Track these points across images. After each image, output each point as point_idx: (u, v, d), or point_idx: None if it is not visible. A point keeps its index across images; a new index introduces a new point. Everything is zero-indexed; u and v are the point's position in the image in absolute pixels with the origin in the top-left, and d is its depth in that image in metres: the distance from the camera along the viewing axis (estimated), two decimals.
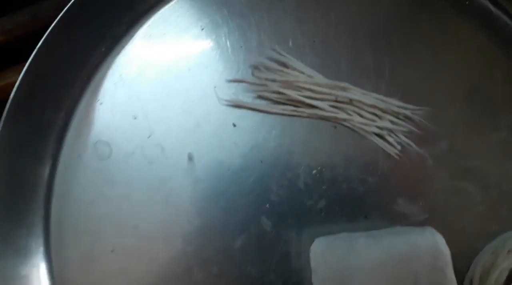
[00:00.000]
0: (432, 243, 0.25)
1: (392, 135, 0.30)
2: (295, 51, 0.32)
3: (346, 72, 0.32)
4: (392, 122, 0.30)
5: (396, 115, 0.30)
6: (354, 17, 0.33)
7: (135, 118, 0.30)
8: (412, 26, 0.33)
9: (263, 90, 0.31)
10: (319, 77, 0.31)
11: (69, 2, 0.29)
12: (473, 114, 0.32)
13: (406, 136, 0.30)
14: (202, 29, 0.32)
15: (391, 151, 0.30)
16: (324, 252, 0.25)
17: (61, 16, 0.29)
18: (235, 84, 0.31)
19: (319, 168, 0.30)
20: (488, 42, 0.33)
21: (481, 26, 0.34)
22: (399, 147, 0.30)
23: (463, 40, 0.33)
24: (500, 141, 0.32)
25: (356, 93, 0.30)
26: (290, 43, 0.32)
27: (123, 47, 0.31)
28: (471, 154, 0.31)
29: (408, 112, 0.30)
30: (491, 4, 0.34)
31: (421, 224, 0.29)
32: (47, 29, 0.29)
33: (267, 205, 0.29)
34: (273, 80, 0.30)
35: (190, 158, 0.29)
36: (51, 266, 0.28)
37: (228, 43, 0.32)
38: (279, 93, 0.30)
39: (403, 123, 0.30)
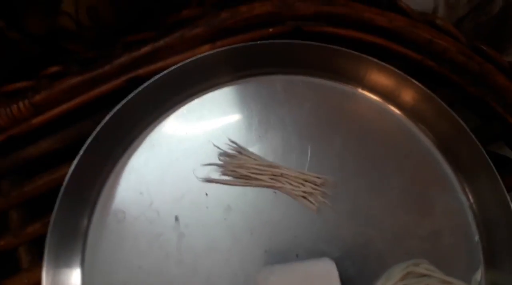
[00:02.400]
0: (324, 267, 0.38)
1: (313, 196, 0.45)
2: (247, 142, 0.48)
3: (281, 155, 0.47)
4: (312, 187, 0.45)
5: (314, 182, 0.45)
6: (285, 118, 0.49)
7: (141, 193, 0.45)
8: (327, 122, 0.49)
9: (226, 169, 0.46)
10: (261, 160, 0.46)
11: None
12: (372, 179, 0.46)
13: (322, 197, 0.45)
14: (186, 133, 0.49)
15: (313, 208, 0.44)
16: (257, 277, 0.38)
17: (95, 134, 0.46)
18: (207, 166, 0.46)
19: (265, 220, 0.44)
20: (382, 129, 0.49)
21: (377, 120, 0.49)
22: (317, 204, 0.44)
23: (363, 127, 0.49)
24: (393, 197, 0.45)
25: (286, 170, 0.45)
26: (244, 137, 0.48)
27: (132, 151, 0.48)
28: (371, 208, 0.44)
29: (322, 180, 0.45)
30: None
31: (337, 259, 0.42)
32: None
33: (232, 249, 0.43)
34: (232, 163, 0.46)
35: (176, 218, 0.44)
36: None
37: (202, 139, 0.48)
38: (235, 171, 0.46)
39: (320, 188, 0.45)
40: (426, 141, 0.48)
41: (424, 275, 0.41)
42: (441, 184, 0.46)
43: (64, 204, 0.42)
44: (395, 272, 0.41)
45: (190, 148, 0.47)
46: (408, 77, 0.47)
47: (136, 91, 0.46)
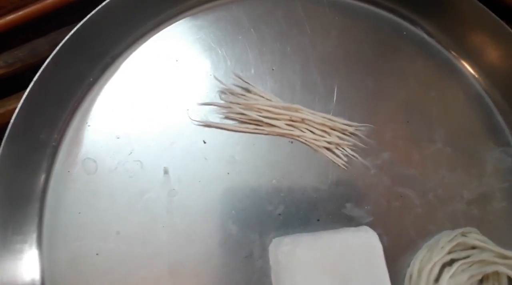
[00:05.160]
0: (365, 239, 0.29)
1: (340, 148, 0.35)
2: (256, 78, 0.37)
3: (300, 95, 0.37)
4: (339, 137, 0.35)
5: (342, 131, 0.35)
6: (306, 48, 0.38)
7: (118, 137, 0.35)
8: (356, 55, 0.38)
9: (229, 112, 0.36)
10: (276, 100, 0.36)
11: (62, 39, 0.34)
12: (411, 129, 0.37)
13: (352, 150, 0.35)
14: (177, 60, 0.37)
15: (339, 162, 0.35)
16: (276, 250, 0.30)
17: (55, 52, 0.34)
18: (206, 106, 0.36)
19: (278, 178, 0.35)
20: (424, 66, 0.39)
21: (417, 52, 0.39)
22: (345, 159, 0.35)
23: (402, 65, 0.39)
24: (435, 152, 0.37)
25: (307, 114, 0.35)
26: (252, 71, 0.37)
27: (108, 77, 0.36)
28: (409, 164, 0.36)
29: (352, 129, 0.35)
30: (425, 33, 0.40)
31: (367, 225, 0.34)
32: (43, 62, 0.33)
33: (233, 212, 0.34)
34: (237, 103, 0.35)
35: (166, 171, 0.34)
36: (43, 268, 0.32)
37: (199, 71, 0.37)
38: (242, 114, 0.35)
39: (349, 138, 0.35)
40: (477, 85, 0.39)
41: (474, 248, 0.33)
42: (492, 137, 0.37)
43: (12, 148, 0.31)
44: (441, 242, 0.33)
45: (183, 79, 0.36)
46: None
47: (109, 1, 0.34)
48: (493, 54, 0.38)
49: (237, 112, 0.35)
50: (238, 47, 0.38)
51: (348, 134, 0.36)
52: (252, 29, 0.38)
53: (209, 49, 0.37)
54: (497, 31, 0.37)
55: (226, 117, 0.36)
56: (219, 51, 0.37)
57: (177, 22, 0.38)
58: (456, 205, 0.35)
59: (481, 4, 0.36)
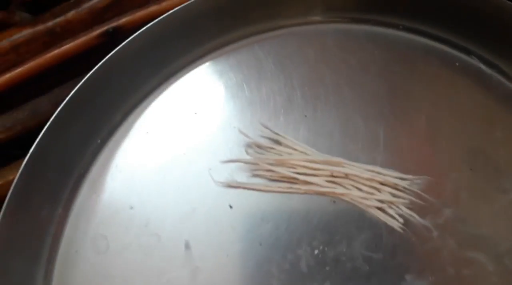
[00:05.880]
0: None
1: (393, 207, 0.29)
2: (287, 127, 0.32)
3: (340, 145, 0.31)
4: (392, 194, 0.30)
5: (395, 186, 0.30)
6: (343, 89, 0.33)
7: (131, 208, 0.30)
8: (403, 93, 0.33)
9: (257, 168, 0.31)
10: (312, 153, 0.30)
11: (66, 96, 0.30)
12: (475, 178, 0.31)
13: (408, 208, 0.29)
14: (195, 113, 0.33)
15: (394, 224, 0.29)
16: None
17: (57, 112, 0.30)
18: (230, 164, 0.31)
19: (321, 247, 0.29)
20: (484, 102, 0.33)
21: (474, 85, 0.34)
22: (401, 219, 0.29)
23: (457, 102, 0.33)
24: (508, 204, 0.30)
25: (351, 168, 0.30)
26: (282, 119, 0.32)
27: (118, 137, 0.32)
28: (478, 221, 0.30)
29: (406, 183, 0.30)
30: (482, 63, 0.34)
31: None
32: (46, 123, 0.29)
33: None
34: (266, 159, 0.30)
35: (187, 246, 0.29)
36: None
37: (220, 124, 0.32)
38: (272, 171, 0.30)
39: (403, 194, 0.30)
40: None
41: None
42: None
43: (9, 229, 0.27)
44: None
45: (203, 135, 0.32)
46: None
47: (117, 50, 0.29)
48: None
49: (267, 169, 0.30)
50: (263, 93, 0.33)
51: (402, 189, 0.30)
52: (278, 72, 0.33)
53: (231, 97, 0.33)
54: None
55: (255, 175, 0.31)
56: (243, 99, 0.33)
57: (193, 70, 0.34)
58: None
59: None
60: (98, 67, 0.30)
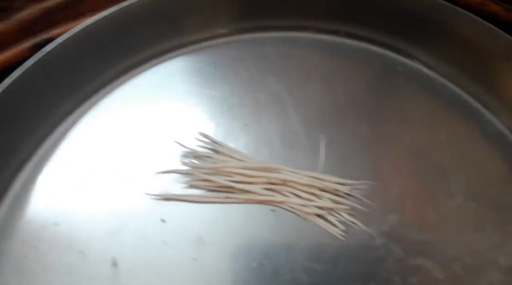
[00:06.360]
0: None
1: (334, 214, 0.28)
2: (227, 135, 0.31)
3: (281, 152, 0.30)
4: (332, 200, 0.28)
5: (336, 192, 0.28)
6: (283, 96, 0.32)
7: (56, 224, 0.28)
8: (344, 99, 0.32)
9: (193, 179, 0.29)
10: (249, 160, 0.29)
11: None
12: (421, 182, 0.30)
13: (350, 214, 0.28)
14: (125, 125, 0.31)
15: (335, 232, 0.27)
16: None
17: None
18: (165, 176, 0.29)
19: (259, 260, 0.27)
20: (428, 105, 0.33)
21: (418, 89, 0.33)
22: (342, 227, 0.28)
23: (401, 106, 0.32)
24: (455, 209, 0.29)
25: (289, 174, 0.28)
26: (222, 128, 0.31)
27: (44, 151, 0.30)
28: (425, 227, 0.28)
29: (347, 189, 0.28)
30: (425, 67, 0.34)
31: None
32: None
33: None
34: (202, 168, 0.29)
35: (114, 263, 0.27)
36: None
37: (156, 134, 0.31)
38: (209, 181, 0.29)
39: (344, 200, 0.28)
40: (496, 121, 0.32)
41: None
42: None
43: None
44: None
45: (136, 147, 0.30)
46: None
47: (40, 56, 0.28)
48: None
49: (203, 178, 0.29)
50: (202, 102, 0.32)
51: (343, 195, 0.28)
52: (218, 80, 0.32)
53: (166, 107, 0.32)
54: None
55: (191, 186, 0.29)
56: (181, 108, 0.32)
57: (130, 80, 0.33)
58: (492, 276, 0.27)
59: (486, 22, 0.30)
60: (20, 75, 0.28)
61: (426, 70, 0.34)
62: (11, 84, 0.27)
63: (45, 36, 0.31)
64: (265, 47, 0.34)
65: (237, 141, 0.31)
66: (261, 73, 0.33)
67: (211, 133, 0.31)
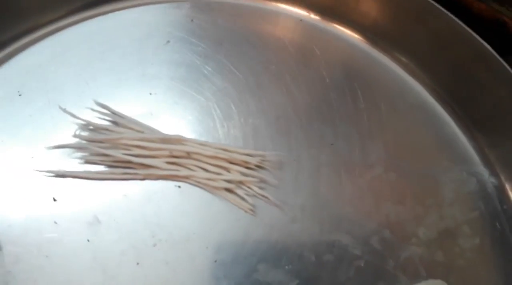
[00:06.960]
0: None
1: (244, 188, 0.26)
2: (129, 106, 0.28)
3: (186, 122, 0.28)
4: (241, 173, 0.26)
5: (245, 165, 0.26)
6: (194, 60, 0.29)
7: None
8: (256, 66, 0.30)
9: (90, 154, 0.26)
10: (151, 131, 0.26)
11: None
12: (337, 152, 0.28)
13: (261, 188, 0.26)
14: (20, 95, 0.28)
15: (244, 207, 0.25)
16: None
17: None
18: (57, 152, 0.26)
19: (161, 239, 0.25)
20: (342, 67, 0.31)
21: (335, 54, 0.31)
22: (251, 201, 0.25)
23: (312, 75, 0.30)
24: (374, 180, 0.27)
25: (193, 145, 0.26)
26: (121, 98, 0.28)
27: None
28: (341, 200, 0.27)
29: (257, 160, 0.26)
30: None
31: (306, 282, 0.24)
32: None
33: None
34: (97, 141, 0.26)
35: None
36: None
37: (48, 106, 0.28)
38: (106, 155, 0.26)
39: (254, 173, 0.26)
40: (421, 88, 0.31)
41: None
42: (448, 153, 0.29)
43: None
44: None
45: (27, 121, 0.27)
46: None
47: None
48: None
49: (99, 153, 0.26)
50: (100, 70, 0.29)
51: (253, 167, 0.26)
52: (120, 45, 0.29)
53: (61, 75, 0.28)
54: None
55: (87, 161, 0.26)
56: (74, 77, 0.28)
57: (29, 48, 0.29)
58: (411, 250, 0.26)
59: None
60: None
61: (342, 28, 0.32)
62: None
63: None
64: (173, 13, 0.31)
65: (139, 111, 0.28)
66: (169, 38, 0.30)
67: (109, 102, 0.28)
